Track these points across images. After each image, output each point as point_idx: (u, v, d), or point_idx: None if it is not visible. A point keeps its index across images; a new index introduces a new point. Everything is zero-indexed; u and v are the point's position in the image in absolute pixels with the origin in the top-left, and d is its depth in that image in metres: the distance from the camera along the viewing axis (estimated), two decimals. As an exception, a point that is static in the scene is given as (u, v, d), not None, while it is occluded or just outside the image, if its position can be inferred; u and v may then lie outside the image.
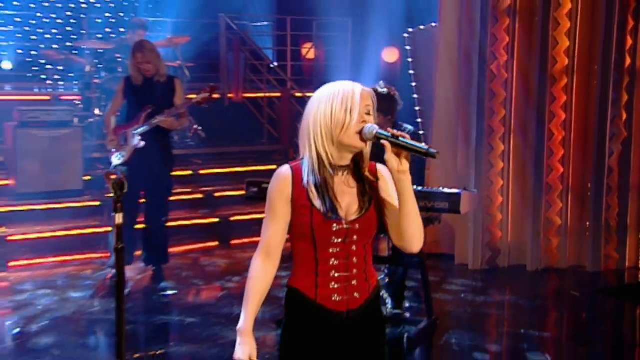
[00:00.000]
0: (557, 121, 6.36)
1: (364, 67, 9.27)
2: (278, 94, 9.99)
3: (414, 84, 7.62)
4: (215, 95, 6.42)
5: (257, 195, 5.23)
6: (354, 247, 2.34)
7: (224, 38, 10.29)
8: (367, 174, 2.35)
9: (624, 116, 6.27)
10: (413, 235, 2.27)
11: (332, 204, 2.26)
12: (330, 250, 2.33)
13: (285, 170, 2.34)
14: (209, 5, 10.16)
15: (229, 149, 8.84)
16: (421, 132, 7.20)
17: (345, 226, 2.30)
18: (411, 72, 7.77)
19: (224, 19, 10.19)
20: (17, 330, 5.11)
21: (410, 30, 7.80)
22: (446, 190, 4.94)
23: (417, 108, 7.42)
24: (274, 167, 4.79)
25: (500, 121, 6.40)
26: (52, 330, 5.13)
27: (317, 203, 2.27)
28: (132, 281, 6.01)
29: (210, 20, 10.41)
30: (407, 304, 5.49)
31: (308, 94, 8.30)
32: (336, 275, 2.34)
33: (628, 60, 6.21)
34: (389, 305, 5.29)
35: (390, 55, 9.54)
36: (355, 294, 2.35)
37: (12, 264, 6.60)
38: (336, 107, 2.24)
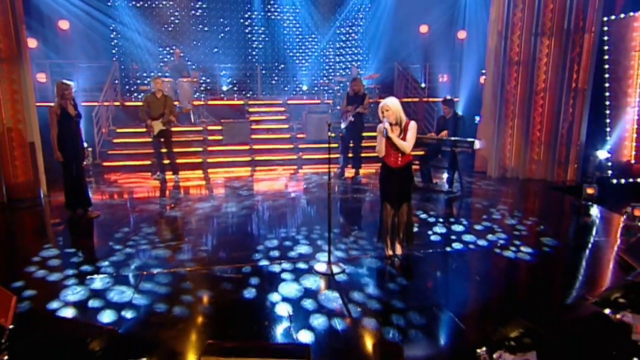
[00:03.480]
0: (537, 112, 10.36)
1: (467, 85, 13.11)
2: (417, 99, 13.99)
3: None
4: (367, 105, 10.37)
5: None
6: (398, 150, 5.24)
7: (396, 73, 14.64)
8: (403, 126, 5.11)
9: (570, 110, 9.96)
10: (402, 148, 5.09)
11: (387, 136, 5.19)
12: (392, 150, 5.27)
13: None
14: (389, 58, 14.87)
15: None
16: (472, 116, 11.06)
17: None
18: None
19: (396, 64, 14.70)
20: (305, 186, 9.76)
21: (484, 71, 12.18)
22: (469, 139, 8.46)
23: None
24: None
25: (510, 111, 10.56)
26: (316, 187, 9.56)
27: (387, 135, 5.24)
28: (345, 175, 10.36)
29: (389, 65, 14.74)
30: (455, 187, 9.05)
31: (433, 99, 13.48)
32: (392, 155, 5.29)
33: (574, 85, 9.83)
34: (446, 186, 9.01)
35: (483, 80, 12.24)
36: (399, 162, 5.25)
37: (303, 167, 11.83)
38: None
